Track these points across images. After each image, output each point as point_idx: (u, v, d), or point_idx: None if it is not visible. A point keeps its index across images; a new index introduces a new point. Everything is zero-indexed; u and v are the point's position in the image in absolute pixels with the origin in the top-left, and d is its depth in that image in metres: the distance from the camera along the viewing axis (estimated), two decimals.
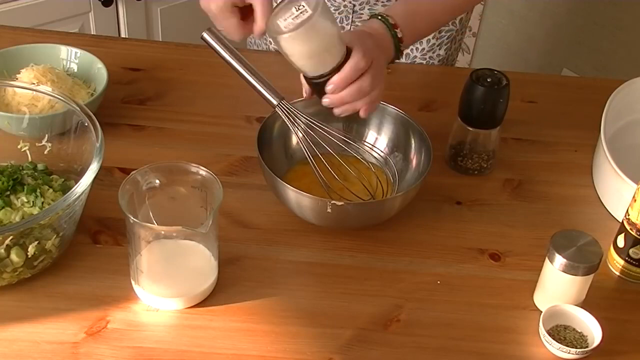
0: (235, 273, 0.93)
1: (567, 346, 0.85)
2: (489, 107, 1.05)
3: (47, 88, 1.00)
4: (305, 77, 0.94)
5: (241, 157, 1.10)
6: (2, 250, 0.84)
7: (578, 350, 0.85)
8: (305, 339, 0.86)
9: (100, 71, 1.14)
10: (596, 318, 0.87)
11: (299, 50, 0.88)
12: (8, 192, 0.91)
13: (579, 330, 0.88)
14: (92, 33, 2.02)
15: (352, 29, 1.30)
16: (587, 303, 0.90)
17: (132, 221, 0.82)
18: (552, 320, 0.89)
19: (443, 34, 1.35)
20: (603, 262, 0.90)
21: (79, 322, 0.86)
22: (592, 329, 0.87)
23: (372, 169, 1.02)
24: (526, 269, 0.96)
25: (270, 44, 1.40)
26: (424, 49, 1.36)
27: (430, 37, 1.34)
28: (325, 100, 0.94)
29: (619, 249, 0.96)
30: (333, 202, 0.90)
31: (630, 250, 0.95)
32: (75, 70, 1.17)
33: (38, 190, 0.92)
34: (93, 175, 0.86)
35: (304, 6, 0.86)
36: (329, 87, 0.92)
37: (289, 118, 0.96)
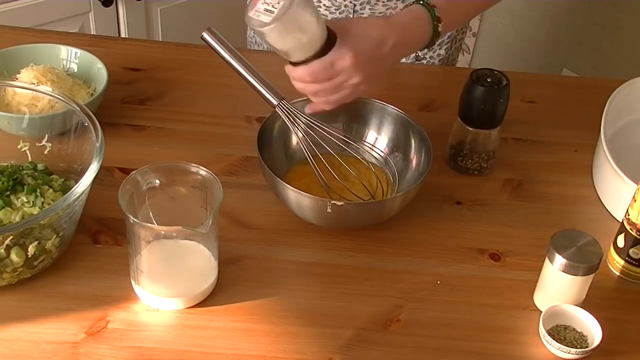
0: (235, 273, 0.93)
1: (567, 346, 0.85)
2: (489, 107, 1.05)
3: (47, 88, 1.00)
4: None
5: (241, 157, 1.10)
6: (2, 250, 0.84)
7: (578, 350, 0.85)
8: (305, 339, 0.86)
9: (100, 71, 1.14)
10: (596, 318, 0.87)
11: (273, 38, 0.88)
12: (8, 192, 0.91)
13: (579, 330, 0.88)
14: (92, 33, 2.02)
15: (385, 14, 1.28)
16: (587, 303, 0.90)
17: (132, 221, 0.82)
18: (552, 320, 0.89)
19: None
20: (603, 262, 0.90)
21: (79, 322, 0.86)
22: (592, 329, 0.87)
23: (372, 169, 1.02)
24: (526, 269, 0.96)
25: None
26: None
27: None
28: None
29: (619, 249, 0.96)
30: (333, 202, 0.90)
31: (630, 250, 0.95)
32: (75, 70, 1.17)
33: (38, 190, 0.92)
34: (93, 175, 0.86)
35: None
36: (286, 68, 0.93)
37: (289, 118, 0.96)
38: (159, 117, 1.16)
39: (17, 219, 0.89)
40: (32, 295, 0.88)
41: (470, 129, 1.07)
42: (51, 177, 0.97)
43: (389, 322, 0.89)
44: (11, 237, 0.83)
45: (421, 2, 0.98)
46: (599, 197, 1.09)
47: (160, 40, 2.15)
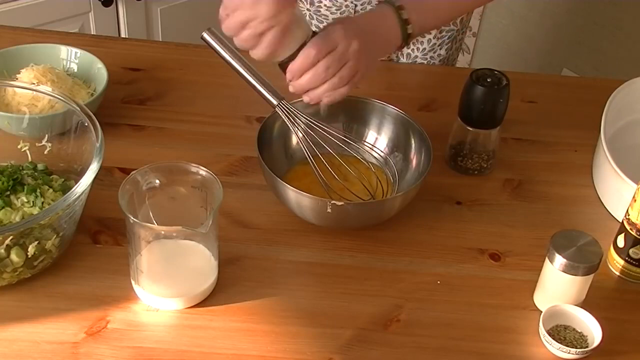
0: (235, 273, 0.93)
1: (567, 346, 0.85)
2: (489, 107, 1.05)
3: (47, 88, 1.00)
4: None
5: (241, 157, 1.10)
6: (2, 250, 0.84)
7: (578, 350, 0.85)
8: (305, 339, 0.86)
9: (100, 71, 1.14)
10: (596, 318, 0.87)
11: None
12: (8, 192, 0.91)
13: (579, 330, 0.88)
14: (92, 33, 2.02)
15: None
16: (587, 303, 0.90)
17: (132, 221, 0.82)
18: (552, 320, 0.89)
19: (444, 33, 1.35)
20: (603, 262, 0.90)
21: (79, 322, 0.86)
22: (592, 329, 0.87)
23: (372, 169, 1.02)
24: (526, 269, 0.96)
25: None
26: (424, 48, 1.36)
27: (431, 36, 1.34)
28: (290, 88, 0.95)
29: (619, 249, 0.96)
30: (333, 202, 0.90)
31: (630, 250, 0.95)
32: (75, 70, 1.17)
33: (38, 190, 0.92)
34: (93, 175, 0.86)
35: None
36: (287, 74, 0.94)
37: (289, 118, 0.96)
38: (159, 117, 1.16)
39: (17, 219, 0.89)
40: (32, 295, 0.88)
41: (470, 129, 1.07)
42: (51, 177, 0.97)
43: (389, 322, 0.89)
44: (11, 237, 0.83)
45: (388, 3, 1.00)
46: (599, 197, 1.09)
47: (160, 40, 2.16)
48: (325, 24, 1.35)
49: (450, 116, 1.10)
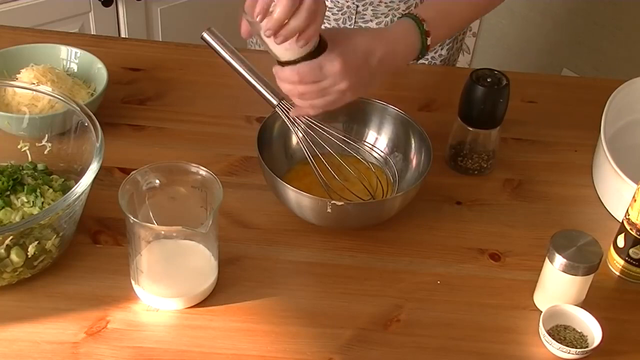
0: (235, 273, 0.93)
1: (567, 346, 0.85)
2: (489, 107, 1.05)
3: (47, 88, 1.00)
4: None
5: (241, 157, 1.10)
6: (2, 250, 0.84)
7: (578, 350, 0.85)
8: (305, 339, 0.86)
9: (100, 71, 1.14)
10: (596, 318, 0.87)
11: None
12: (8, 192, 0.91)
13: (579, 330, 0.88)
14: (92, 33, 2.02)
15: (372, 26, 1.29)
16: (587, 303, 0.90)
17: (132, 221, 0.82)
18: (552, 320, 0.89)
19: None
20: (603, 262, 0.90)
21: (79, 322, 0.86)
22: (592, 329, 0.87)
23: (372, 169, 1.02)
24: (526, 269, 0.96)
25: None
26: None
27: None
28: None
29: (619, 249, 0.96)
30: (333, 202, 0.90)
31: (630, 250, 0.95)
32: (75, 70, 1.17)
33: (38, 190, 0.92)
34: (93, 175, 0.86)
35: None
36: (273, 69, 0.93)
37: (289, 118, 0.96)
38: (159, 117, 1.16)
39: (17, 219, 0.89)
40: (32, 295, 0.88)
41: (470, 129, 1.07)
42: (51, 177, 0.97)
43: (389, 322, 0.89)
44: (11, 237, 0.83)
45: (410, 15, 0.98)
46: (599, 197, 1.09)
47: (160, 40, 2.16)
48: (326, 24, 1.34)
49: (450, 116, 1.10)
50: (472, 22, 1.15)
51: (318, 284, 0.94)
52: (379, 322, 0.89)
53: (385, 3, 1.28)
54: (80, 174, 0.88)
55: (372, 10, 1.29)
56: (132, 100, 1.19)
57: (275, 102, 0.96)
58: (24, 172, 0.95)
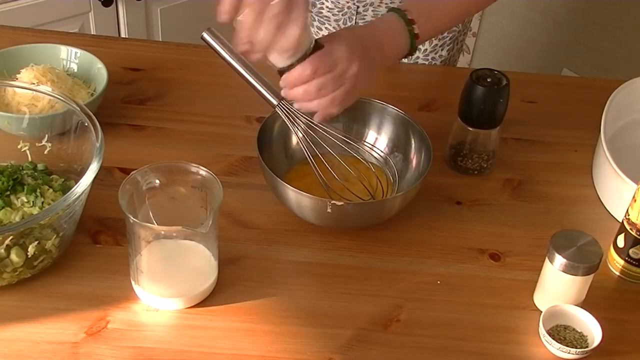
0: (235, 273, 0.93)
1: (567, 346, 0.85)
2: (489, 107, 1.05)
3: (47, 88, 1.00)
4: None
5: (241, 157, 1.10)
6: (2, 250, 0.84)
7: (578, 350, 0.85)
8: (305, 339, 0.86)
9: (100, 71, 1.14)
10: (596, 318, 0.87)
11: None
12: (8, 192, 0.91)
13: (579, 330, 0.88)
14: (92, 33, 2.02)
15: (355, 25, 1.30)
16: (587, 303, 0.90)
17: (132, 221, 0.82)
18: (552, 320, 0.89)
19: (445, 34, 1.35)
20: (603, 262, 0.90)
21: (79, 322, 0.86)
22: (592, 329, 0.87)
23: (372, 169, 1.02)
24: (526, 269, 0.96)
25: None
26: (426, 49, 1.36)
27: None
28: (282, 92, 0.95)
29: (619, 249, 0.96)
30: (333, 202, 0.90)
31: (630, 250, 0.95)
32: (75, 70, 1.17)
33: (38, 190, 0.92)
34: (93, 175, 0.86)
35: None
36: (281, 82, 0.93)
37: (289, 118, 0.96)
38: (159, 117, 1.16)
39: (17, 219, 0.89)
40: (32, 295, 0.88)
41: (470, 129, 1.07)
42: (51, 177, 0.97)
43: (389, 322, 0.89)
44: (11, 237, 0.83)
45: (393, 10, 1.00)
46: (599, 197, 1.09)
47: (160, 40, 2.16)
48: (327, 25, 1.35)
49: (450, 116, 1.10)
50: (465, 18, 1.15)
51: (318, 284, 0.94)
52: (379, 322, 0.89)
53: (386, 4, 1.28)
54: (80, 174, 0.88)
55: (372, 11, 1.29)
56: (132, 100, 1.19)
57: (275, 102, 0.96)
58: (24, 172, 0.95)
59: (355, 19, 1.31)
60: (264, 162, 0.95)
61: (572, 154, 1.16)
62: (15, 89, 1.04)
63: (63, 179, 0.97)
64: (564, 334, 0.88)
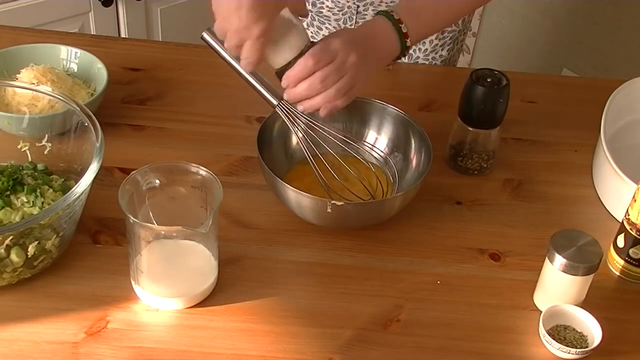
0: (235, 273, 0.93)
1: (567, 346, 0.85)
2: (489, 107, 1.05)
3: (47, 88, 1.00)
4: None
5: (241, 157, 1.10)
6: (2, 250, 0.84)
7: (578, 350, 0.85)
8: (305, 339, 0.86)
9: (100, 71, 1.14)
10: (596, 318, 0.87)
11: None
12: (8, 192, 0.91)
13: (579, 330, 0.88)
14: (92, 33, 2.02)
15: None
16: (587, 303, 0.90)
17: (132, 221, 0.82)
18: (552, 320, 0.89)
19: (446, 34, 1.35)
20: (603, 262, 0.90)
21: (79, 322, 0.86)
22: (592, 329, 0.87)
23: (372, 169, 1.02)
24: (526, 269, 0.96)
25: None
26: (426, 49, 1.36)
27: (433, 37, 1.34)
28: (285, 95, 0.95)
29: (619, 249, 0.96)
30: (333, 202, 0.90)
31: (630, 250, 0.94)
32: (75, 70, 1.17)
33: (38, 190, 0.91)
34: (93, 175, 0.86)
35: None
36: (283, 81, 0.93)
37: (289, 118, 0.96)
38: (159, 117, 1.16)
39: (17, 219, 0.89)
40: (32, 295, 0.88)
41: (470, 129, 1.07)
42: (51, 177, 0.97)
43: (389, 322, 0.89)
44: (11, 237, 0.83)
45: (383, 13, 1.00)
46: (599, 197, 1.09)
47: (160, 40, 2.16)
48: (327, 25, 1.35)
49: (450, 116, 1.10)
50: (457, 19, 1.14)
51: (318, 284, 0.94)
52: (379, 322, 0.89)
53: (386, 3, 1.28)
54: (80, 174, 0.88)
55: (372, 10, 1.29)
56: (132, 100, 1.19)
57: (275, 102, 0.96)
58: (24, 172, 0.95)
59: (356, 18, 1.31)
60: (264, 162, 0.95)
61: (572, 154, 1.16)
62: (15, 89, 1.04)
63: (63, 179, 0.97)
64: (564, 334, 0.88)
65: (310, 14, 1.34)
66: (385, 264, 0.97)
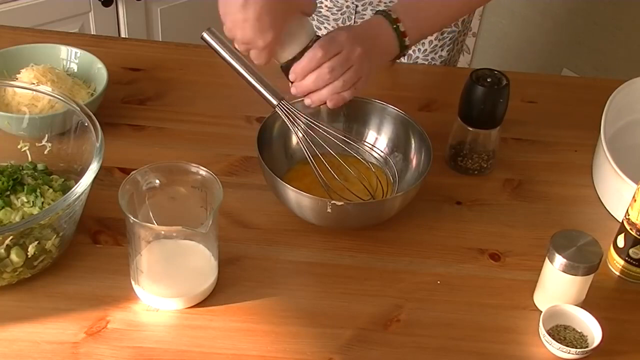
0: (235, 273, 0.93)
1: (567, 346, 0.85)
2: (489, 107, 1.05)
3: (47, 88, 1.00)
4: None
5: (241, 157, 1.10)
6: (2, 250, 0.84)
7: (578, 350, 0.85)
8: (305, 339, 0.86)
9: (100, 71, 1.14)
10: (596, 318, 0.87)
11: None
12: (8, 192, 0.91)
13: (579, 330, 0.88)
14: (92, 33, 2.02)
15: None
16: (587, 303, 0.90)
17: (132, 221, 0.82)
18: (552, 320, 0.89)
19: (445, 35, 1.35)
20: (603, 262, 0.90)
21: (79, 322, 0.86)
22: (592, 329, 0.87)
23: (372, 169, 1.02)
24: (526, 269, 0.96)
25: None
26: (425, 50, 1.36)
27: (432, 37, 1.34)
28: (292, 89, 0.96)
29: (619, 249, 0.96)
30: (333, 202, 0.90)
31: (630, 250, 0.94)
32: (75, 70, 1.17)
33: (38, 190, 0.91)
34: (93, 175, 0.86)
35: None
36: (290, 75, 0.95)
37: (289, 118, 0.96)
38: (159, 117, 1.16)
39: (17, 219, 0.89)
40: (32, 295, 0.88)
41: (470, 129, 1.07)
42: (51, 177, 0.97)
43: (389, 322, 0.89)
44: (11, 237, 0.83)
45: (381, 12, 1.01)
46: (599, 197, 1.09)
47: (160, 40, 2.16)
48: (325, 24, 1.35)
49: (450, 116, 1.10)
50: (457, 18, 1.15)
51: (318, 284, 0.94)
52: (379, 322, 0.89)
53: (385, 3, 1.28)
54: (80, 174, 0.88)
55: (371, 10, 1.29)
56: (132, 100, 1.19)
57: (275, 102, 0.96)
58: (24, 172, 0.95)
59: (355, 18, 1.31)
60: (264, 162, 0.95)
61: (572, 154, 1.16)
62: (15, 89, 1.04)
63: (63, 179, 0.97)
64: (564, 334, 0.88)
65: None
66: (385, 264, 0.97)
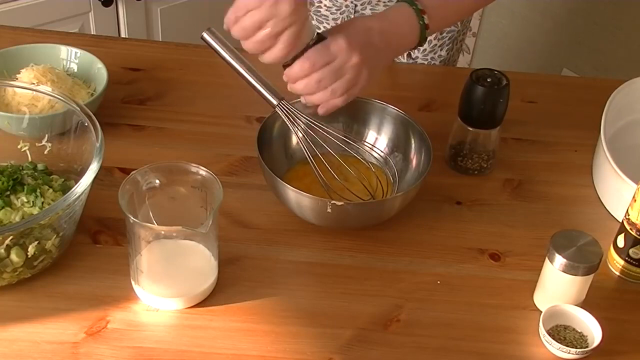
0: (235, 273, 0.93)
1: (567, 346, 0.85)
2: (489, 107, 1.05)
3: (47, 88, 1.00)
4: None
5: (241, 157, 1.10)
6: (2, 250, 0.84)
7: (578, 350, 0.85)
8: (305, 339, 0.86)
9: (100, 71, 1.14)
10: (596, 318, 0.87)
11: None
12: (8, 192, 0.91)
13: (579, 330, 0.88)
14: (92, 33, 2.02)
15: (370, 13, 1.30)
16: (587, 303, 0.90)
17: (132, 221, 0.82)
18: (552, 320, 0.89)
19: (445, 34, 1.35)
20: (603, 262, 0.90)
21: (79, 322, 0.86)
22: (592, 329, 0.87)
23: (372, 169, 1.02)
24: (526, 269, 0.96)
25: None
26: (425, 49, 1.36)
27: (432, 37, 1.34)
28: (288, 87, 0.96)
29: (619, 249, 0.96)
30: (333, 202, 0.90)
31: (630, 250, 0.95)
32: (75, 70, 1.17)
33: (38, 190, 0.92)
34: (93, 175, 0.86)
35: None
36: (283, 76, 0.94)
37: (289, 118, 0.96)
38: (159, 117, 1.16)
39: (17, 219, 0.89)
40: (32, 295, 0.88)
41: (470, 129, 1.07)
42: (51, 177, 0.97)
43: (389, 322, 0.89)
44: (11, 237, 0.83)
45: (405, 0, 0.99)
46: (599, 197, 1.09)
47: (160, 40, 2.16)
48: (325, 24, 1.35)
49: (450, 116, 1.10)
50: (475, 10, 1.14)
51: (318, 284, 0.94)
52: (379, 322, 0.89)
53: (384, 2, 1.28)
54: (80, 174, 0.88)
55: (370, 9, 1.29)
56: (132, 100, 1.19)
57: (275, 102, 0.96)
58: (24, 172, 0.95)
59: (354, 17, 1.31)
60: (264, 162, 0.95)
61: (572, 154, 1.16)
62: (15, 89, 1.04)
63: (63, 179, 0.97)
64: (564, 334, 0.88)
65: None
66: (385, 264, 0.97)
